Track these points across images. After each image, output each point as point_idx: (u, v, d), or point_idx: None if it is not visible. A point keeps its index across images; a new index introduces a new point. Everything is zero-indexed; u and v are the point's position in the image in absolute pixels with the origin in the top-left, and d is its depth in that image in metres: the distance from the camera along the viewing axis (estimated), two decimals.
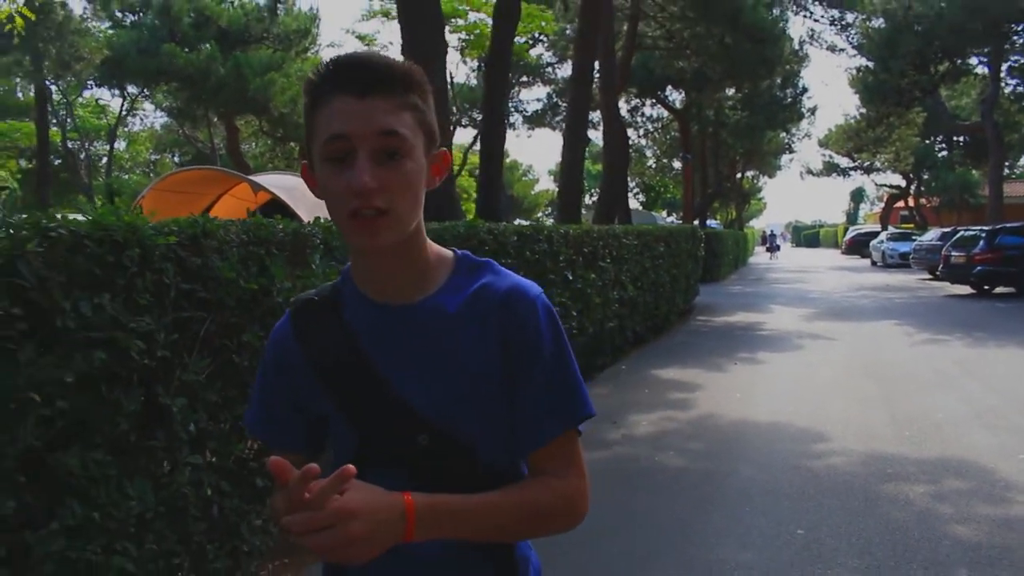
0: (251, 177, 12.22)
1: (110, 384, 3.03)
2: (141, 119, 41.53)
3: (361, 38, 25.89)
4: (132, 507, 3.14)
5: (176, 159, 42.86)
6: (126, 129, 40.46)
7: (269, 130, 31.19)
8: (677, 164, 41.09)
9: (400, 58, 1.22)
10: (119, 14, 25.74)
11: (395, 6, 24.19)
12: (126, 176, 40.72)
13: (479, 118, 31.13)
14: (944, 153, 47.62)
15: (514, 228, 7.41)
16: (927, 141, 45.42)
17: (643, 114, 38.19)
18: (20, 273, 2.66)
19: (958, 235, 22.33)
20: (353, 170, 1.14)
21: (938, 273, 23.02)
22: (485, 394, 1.25)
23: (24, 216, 2.83)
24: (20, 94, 35.94)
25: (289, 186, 11.03)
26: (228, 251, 3.70)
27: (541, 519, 1.25)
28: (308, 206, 9.70)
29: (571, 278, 8.45)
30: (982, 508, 4.87)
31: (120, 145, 40.76)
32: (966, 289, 20.81)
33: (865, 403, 7.83)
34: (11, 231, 2.69)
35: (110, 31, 26.46)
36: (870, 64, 32.20)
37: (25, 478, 2.70)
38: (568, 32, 25.27)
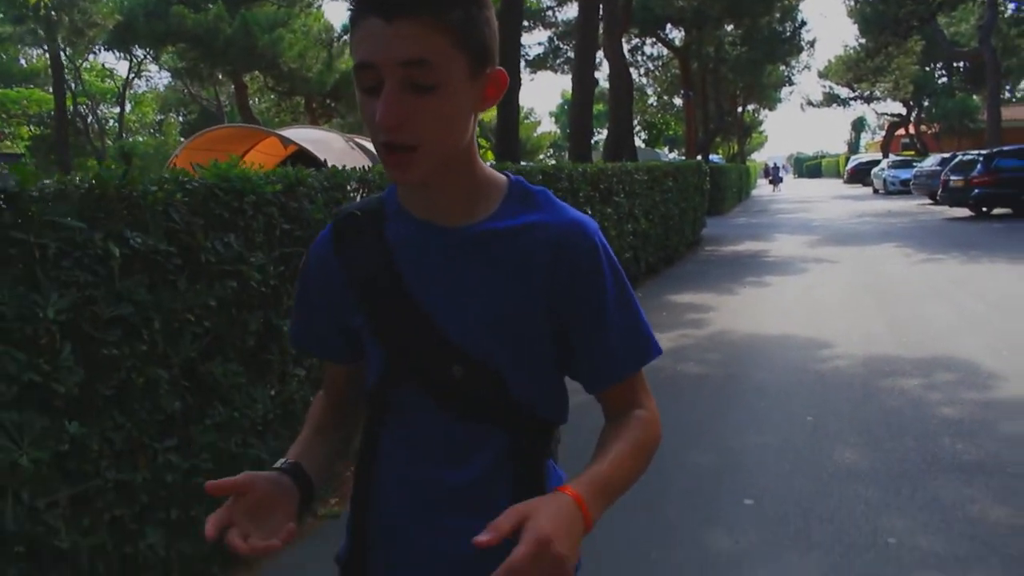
0: (278, 131, 12.83)
1: (239, 308, 3.70)
2: (146, 80, 41.89)
3: None
4: (258, 409, 3.84)
5: (181, 118, 43.25)
6: (132, 91, 40.85)
7: (274, 85, 31.58)
8: (678, 101, 41.35)
9: None
10: None
11: None
12: (131, 138, 41.15)
13: None
14: (944, 80, 47.74)
15: (539, 167, 8.06)
16: (927, 69, 45.52)
17: (643, 53, 38.40)
18: (172, 218, 3.31)
19: (956, 160, 22.86)
20: (380, 100, 1.08)
21: (938, 197, 23.56)
22: (526, 329, 1.22)
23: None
24: (23, 61, 36.31)
25: (315, 138, 11.63)
26: (315, 196, 4.36)
27: (649, 454, 1.25)
28: (335, 156, 10.29)
29: (590, 213, 9.09)
30: (967, 393, 5.59)
31: (126, 108, 41.15)
32: (965, 212, 21.40)
33: (865, 315, 8.53)
34: (164, 185, 3.34)
35: None
36: None
37: (186, 383, 3.37)
38: None
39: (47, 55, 27.96)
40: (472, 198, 1.23)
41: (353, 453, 1.40)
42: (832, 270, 12.35)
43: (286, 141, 11.41)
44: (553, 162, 13.28)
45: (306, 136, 11.96)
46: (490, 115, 36.61)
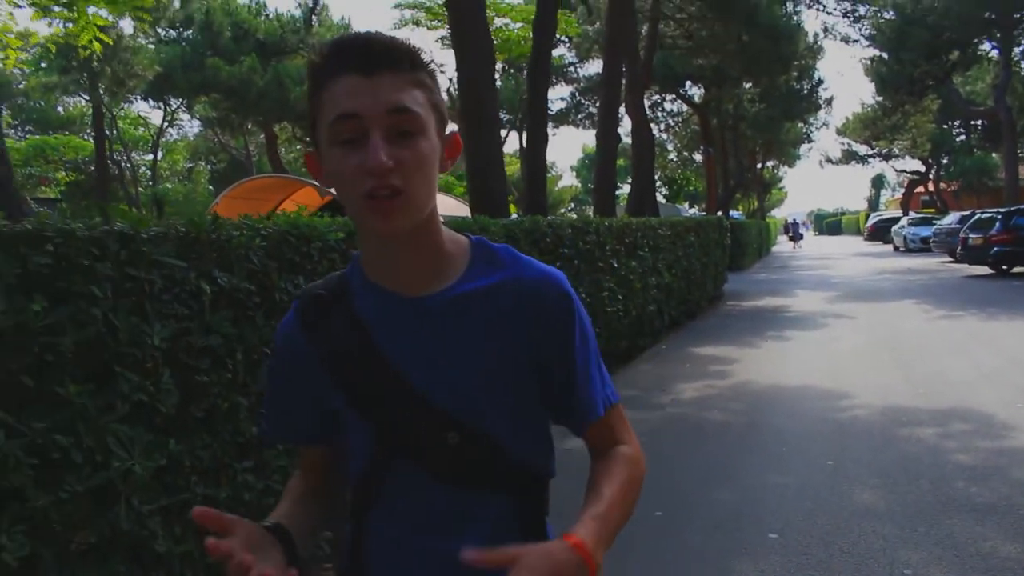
0: (313, 181, 13.34)
1: None
2: (178, 129, 42.94)
3: None
4: None
5: (210, 166, 44.18)
6: (164, 139, 41.88)
7: (302, 136, 32.39)
8: (698, 157, 41.89)
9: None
10: (163, 31, 27.06)
11: (423, 16, 25.27)
12: (162, 185, 42.04)
13: (506, 118, 32.14)
14: (962, 137, 48.16)
15: (568, 221, 8.41)
16: (944, 126, 46.01)
17: (663, 109, 39.07)
18: (252, 260, 3.66)
19: (975, 217, 23.11)
20: (366, 149, 1.10)
21: (957, 255, 23.77)
22: (510, 385, 1.23)
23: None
24: (60, 109, 37.36)
25: None
26: None
27: (637, 490, 1.27)
28: None
29: (616, 266, 9.42)
30: (981, 442, 5.83)
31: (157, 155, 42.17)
32: (985, 270, 21.55)
33: (883, 368, 8.77)
34: (245, 231, 3.69)
35: (150, 46, 27.79)
36: (883, 55, 33.03)
37: (262, 411, 3.69)
38: (590, 33, 26.26)
39: (86, 103, 28.86)
40: (439, 263, 1.24)
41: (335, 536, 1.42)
42: (851, 325, 12.58)
43: (323, 191, 11.85)
44: (574, 215, 13.65)
45: None
46: (512, 168, 37.25)
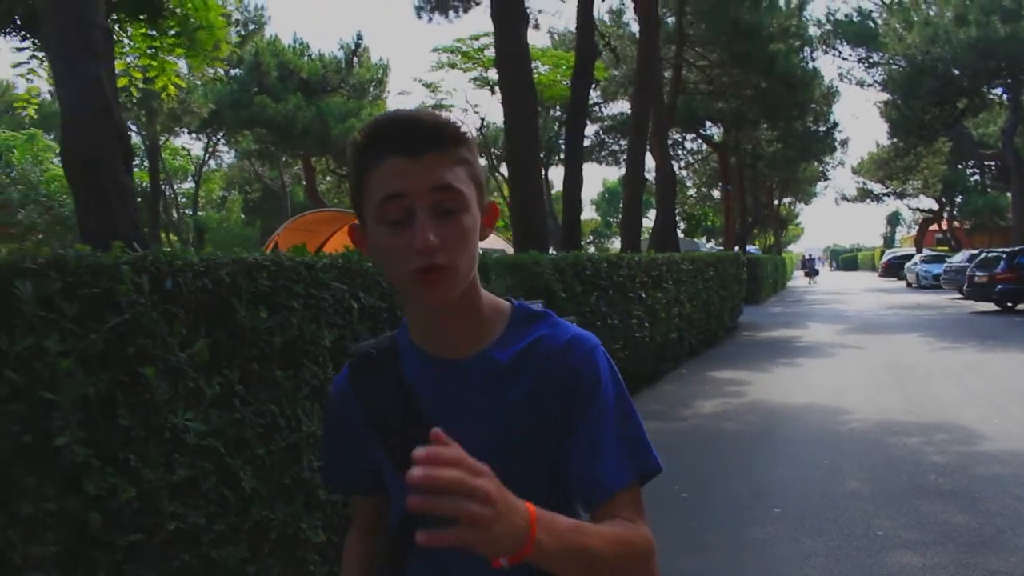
0: None
1: None
2: (216, 159, 44.60)
3: (427, 86, 28.70)
4: None
5: (244, 195, 45.75)
6: (203, 169, 43.55)
7: (335, 168, 33.87)
8: (716, 193, 43.14)
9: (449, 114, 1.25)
10: (211, 71, 28.59)
11: (459, 59, 26.66)
12: (200, 213, 43.58)
13: None
14: (976, 177, 49.20)
15: (604, 257, 9.59)
16: (959, 166, 47.07)
17: (684, 147, 40.37)
18: (382, 284, 4.81)
19: (981, 256, 24.19)
20: (414, 228, 1.14)
21: (964, 292, 24.76)
22: (542, 447, 1.26)
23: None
24: None
25: None
26: None
27: (631, 557, 1.19)
28: None
29: (643, 296, 10.56)
30: (955, 447, 6.93)
31: (190, 183, 43.78)
32: (990, 306, 22.57)
33: (882, 391, 9.86)
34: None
35: (198, 83, 29.35)
36: (896, 99, 34.31)
37: None
38: (617, 77, 27.67)
39: (141, 138, 30.35)
40: (477, 327, 1.29)
41: None
42: (857, 355, 13.66)
43: None
44: (593, 248, 14.76)
45: None
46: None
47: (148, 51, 12.85)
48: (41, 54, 12.80)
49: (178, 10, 11.32)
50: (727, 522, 5.22)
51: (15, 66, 13.00)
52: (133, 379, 3.08)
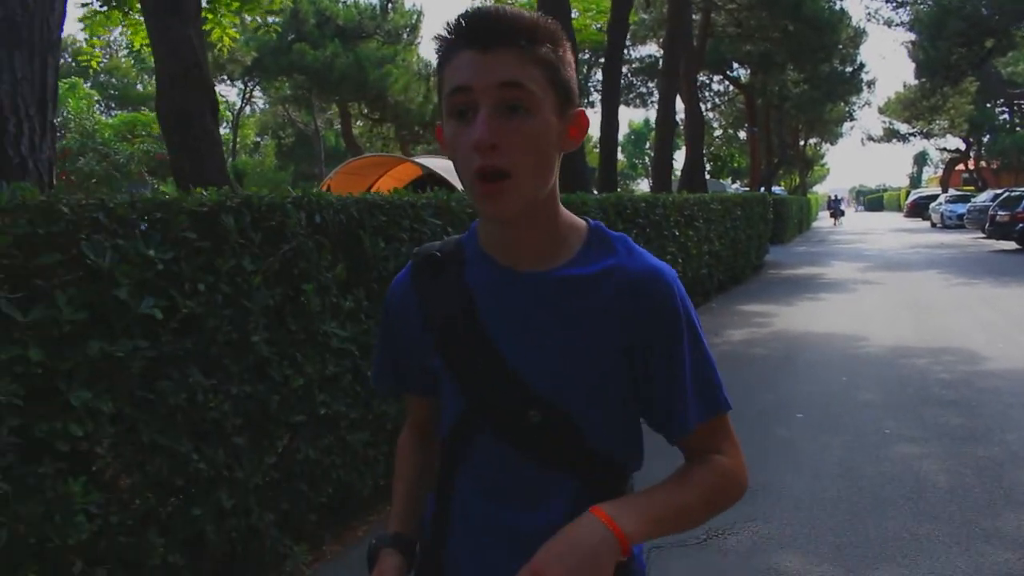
0: (414, 159, 15.50)
1: None
2: (251, 106, 45.33)
3: None
4: None
5: (277, 141, 46.58)
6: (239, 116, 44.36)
7: (368, 113, 34.57)
8: (742, 134, 43.45)
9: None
10: (248, 18, 29.30)
11: (492, 4, 27.16)
12: (233, 159, 44.47)
13: None
14: (1004, 116, 49.08)
15: (642, 197, 10.38)
16: (987, 105, 46.97)
17: (711, 89, 40.66)
18: (465, 219, 5.65)
19: (1004, 196, 24.70)
20: (475, 124, 1.12)
21: (986, 231, 25.27)
22: (604, 375, 1.23)
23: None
24: (140, 87, 39.79)
25: (443, 167, 14.10)
26: None
27: (717, 501, 1.26)
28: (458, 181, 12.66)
29: (677, 234, 11.35)
30: (960, 366, 7.77)
31: (227, 129, 44.62)
32: (1012, 245, 23.11)
33: (898, 321, 10.67)
34: (462, 201, 5.68)
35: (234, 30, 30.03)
36: (922, 40, 34.39)
37: None
38: (646, 21, 28.12)
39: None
40: (554, 243, 1.26)
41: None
42: (877, 290, 14.45)
43: (427, 170, 13.85)
44: (618, 188, 15.54)
45: (436, 164, 14.45)
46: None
47: (206, 4, 13.59)
48: (103, 8, 13.67)
49: None
50: (757, 425, 6.09)
51: (82, 20, 13.88)
52: (296, 294, 3.97)
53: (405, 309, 1.35)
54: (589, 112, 1.32)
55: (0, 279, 2.60)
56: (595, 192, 11.79)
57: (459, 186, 8.53)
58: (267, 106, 43.77)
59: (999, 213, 23.50)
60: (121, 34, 30.63)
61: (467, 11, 1.17)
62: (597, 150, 16.22)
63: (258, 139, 48.89)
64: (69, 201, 2.81)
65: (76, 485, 2.65)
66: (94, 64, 16.37)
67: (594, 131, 18.94)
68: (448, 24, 1.18)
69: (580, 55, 32.82)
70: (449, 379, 1.29)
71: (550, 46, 1.16)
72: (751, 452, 5.02)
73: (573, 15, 26.38)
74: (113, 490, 2.98)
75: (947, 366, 7.82)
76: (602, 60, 36.06)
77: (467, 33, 1.14)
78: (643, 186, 64.57)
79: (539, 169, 1.16)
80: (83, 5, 15.81)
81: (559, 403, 1.22)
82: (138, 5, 9.42)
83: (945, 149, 58.48)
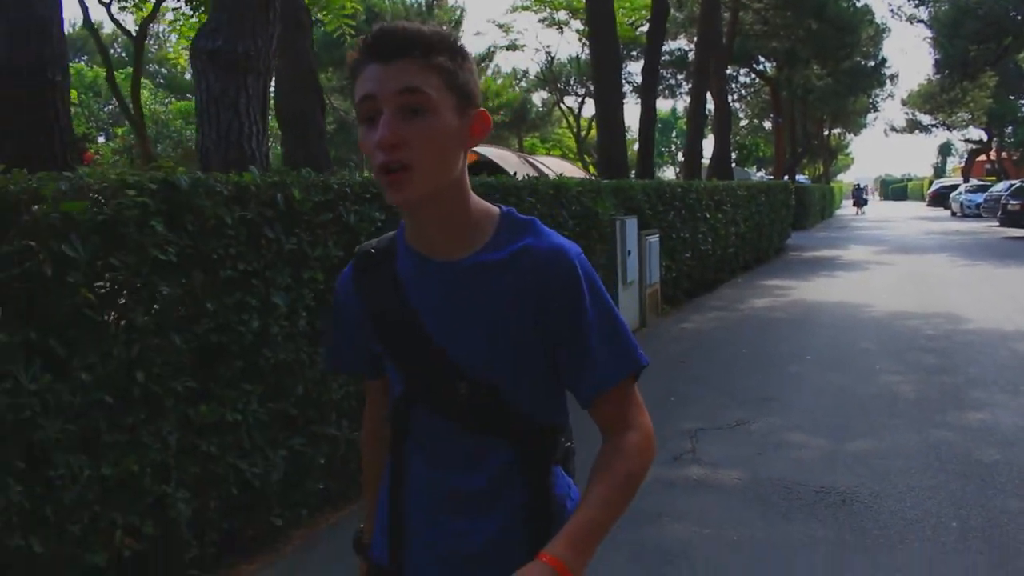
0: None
1: None
2: None
3: (500, 27, 30.87)
4: None
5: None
6: None
7: None
8: (767, 124, 44.72)
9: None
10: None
11: (531, 1, 28.71)
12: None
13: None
14: None
15: (677, 183, 11.94)
16: (1010, 97, 47.92)
17: (737, 81, 41.96)
18: (530, 200, 7.24)
19: (1016, 185, 26.02)
20: (379, 126, 1.23)
21: (999, 219, 26.50)
22: (522, 348, 1.36)
23: None
24: (189, 75, 41.55)
25: (497, 154, 15.63)
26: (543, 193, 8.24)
27: (636, 480, 1.33)
28: (513, 167, 14.12)
29: (707, 217, 12.90)
30: (946, 326, 9.32)
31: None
32: (1022, 232, 24.32)
33: (902, 294, 12.19)
34: (524, 183, 7.26)
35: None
36: (940, 37, 35.55)
37: None
38: (678, 19, 29.62)
39: None
40: (466, 230, 1.36)
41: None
42: (888, 269, 15.96)
43: (483, 157, 15.43)
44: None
45: (489, 152, 16.00)
46: (591, 134, 40.57)
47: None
48: (192, 15, 15.49)
49: None
50: (775, 363, 7.67)
51: (170, 23, 15.58)
52: None
53: (349, 302, 1.50)
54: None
55: (302, 229, 4.22)
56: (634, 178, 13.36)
57: (510, 171, 10.02)
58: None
59: (1011, 202, 24.75)
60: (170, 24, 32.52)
61: (373, 29, 1.27)
62: (636, 147, 17.89)
63: None
64: (336, 180, 4.43)
65: None
66: (181, 61, 18.03)
67: (633, 124, 20.58)
68: (358, 43, 1.27)
69: None
70: (389, 362, 1.46)
71: (447, 55, 1.27)
72: (769, 379, 6.77)
73: None
74: None
75: (935, 325, 9.36)
76: (632, 53, 37.81)
77: (372, 48, 1.25)
78: (668, 173, 65.78)
79: (439, 162, 1.27)
80: (172, 10, 17.64)
81: (485, 377, 1.35)
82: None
83: (968, 140, 59.48)
